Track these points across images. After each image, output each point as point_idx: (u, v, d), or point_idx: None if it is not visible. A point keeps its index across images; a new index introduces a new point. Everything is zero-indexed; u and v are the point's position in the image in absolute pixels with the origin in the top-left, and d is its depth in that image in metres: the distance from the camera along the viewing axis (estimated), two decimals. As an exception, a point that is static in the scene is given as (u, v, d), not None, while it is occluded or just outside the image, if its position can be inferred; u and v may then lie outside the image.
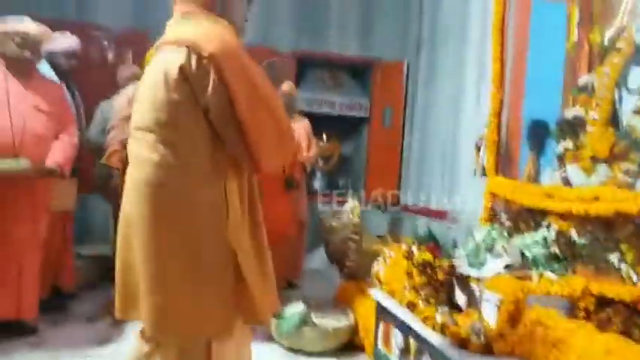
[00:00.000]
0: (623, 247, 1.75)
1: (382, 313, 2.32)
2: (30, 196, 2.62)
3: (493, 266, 1.94)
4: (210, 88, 1.34)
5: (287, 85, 4.01)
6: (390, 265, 2.78)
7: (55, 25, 3.11)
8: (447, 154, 4.41)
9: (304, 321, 2.61)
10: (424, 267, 2.09)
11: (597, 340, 1.43)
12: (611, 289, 1.72)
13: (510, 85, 2.90)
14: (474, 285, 1.94)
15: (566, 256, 1.98)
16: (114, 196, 3.02)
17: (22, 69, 2.63)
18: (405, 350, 2.07)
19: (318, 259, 4.99)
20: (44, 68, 3.03)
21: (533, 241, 2.04)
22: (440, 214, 4.32)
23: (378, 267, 2.92)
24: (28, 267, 2.64)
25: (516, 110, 2.78)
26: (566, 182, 2.11)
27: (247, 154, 1.39)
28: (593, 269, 1.86)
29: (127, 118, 1.78)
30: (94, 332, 2.88)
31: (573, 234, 1.97)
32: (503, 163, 2.88)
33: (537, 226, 2.20)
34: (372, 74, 5.64)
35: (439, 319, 1.88)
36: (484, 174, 3.22)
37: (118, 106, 3.27)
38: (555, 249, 2.02)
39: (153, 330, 1.38)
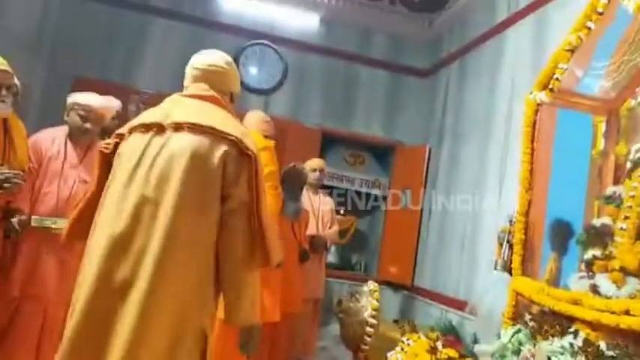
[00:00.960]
0: (655, 365, 1.74)
1: (401, 406, 2.27)
2: None
3: (520, 371, 1.93)
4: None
5: (318, 163, 4.18)
6: (409, 355, 2.75)
7: (98, 87, 3.31)
8: (465, 244, 4.44)
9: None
10: (448, 363, 2.08)
11: None
12: (642, 408, 1.70)
13: (534, 184, 2.99)
14: (499, 388, 1.92)
15: (593, 367, 1.96)
16: None
17: (83, 140, 2.82)
18: None
19: (326, 336, 4.91)
20: None
21: (560, 348, 2.03)
22: (455, 303, 4.29)
23: (396, 356, 2.88)
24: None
25: (540, 210, 2.84)
26: (594, 290, 2.13)
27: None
28: (623, 384, 1.84)
29: None
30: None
31: (602, 345, 1.96)
32: (524, 261, 2.91)
33: (563, 330, 2.19)
34: (394, 155, 5.81)
35: (463, 421, 1.85)
36: (505, 269, 3.24)
37: None
38: (582, 358, 2.01)
39: None
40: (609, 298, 2.01)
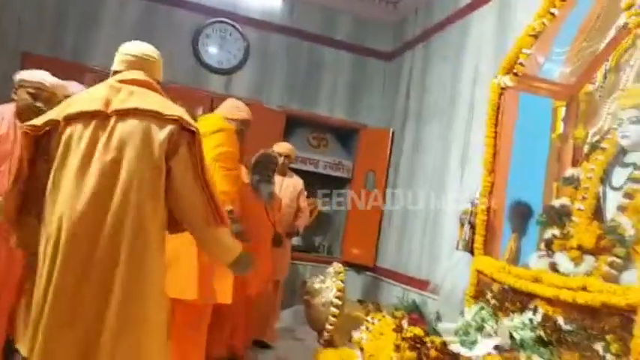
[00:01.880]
0: (609, 337, 1.83)
1: (368, 384, 2.30)
2: None
3: (483, 346, 1.99)
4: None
5: (285, 149, 4.17)
6: (374, 334, 2.79)
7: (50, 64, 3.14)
8: (428, 225, 4.52)
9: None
10: (414, 342, 2.12)
11: None
12: (597, 378, 1.79)
13: (497, 167, 3.07)
14: (463, 364, 1.97)
15: (551, 341, 2.04)
16: None
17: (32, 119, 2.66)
18: None
19: (289, 317, 4.93)
20: None
21: (521, 324, 2.11)
22: (417, 283, 4.38)
23: (361, 335, 2.92)
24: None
25: (500, 192, 2.91)
26: (553, 268, 2.21)
27: None
28: (579, 356, 1.93)
29: None
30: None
31: (560, 320, 2.04)
32: (486, 241, 2.99)
33: (523, 307, 2.27)
34: (358, 138, 5.83)
35: (429, 396, 1.90)
36: (466, 249, 3.32)
37: None
38: (541, 333, 2.09)
39: None
40: (567, 275, 2.10)
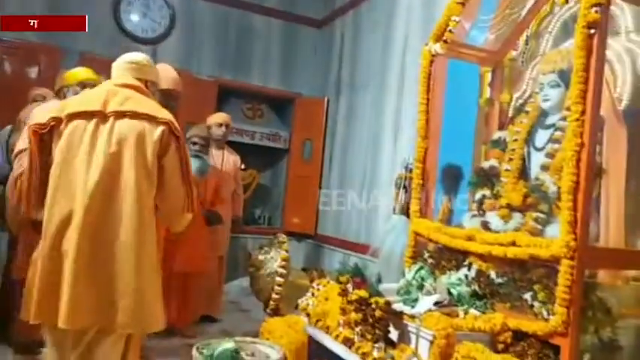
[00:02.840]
0: (536, 287, 1.99)
1: (316, 349, 2.38)
2: None
3: (424, 303, 2.10)
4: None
5: (223, 118, 4.04)
6: (320, 299, 2.86)
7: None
8: (365, 190, 4.64)
9: (235, 358, 2.57)
10: (360, 304, 2.19)
11: (523, 372, 1.63)
12: (526, 324, 1.95)
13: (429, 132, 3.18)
14: (406, 321, 2.08)
15: (485, 294, 2.20)
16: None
17: None
18: (340, 385, 2.14)
19: (233, 290, 4.94)
20: None
21: (457, 280, 2.25)
22: (357, 247, 4.51)
23: (307, 301, 2.98)
24: None
25: (433, 156, 3.02)
26: (485, 226, 2.35)
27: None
28: (510, 306, 2.09)
29: None
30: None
31: (492, 274, 2.20)
32: (421, 204, 3.12)
33: (459, 264, 2.42)
34: (293, 108, 5.81)
35: (376, 354, 1.99)
36: (402, 212, 3.45)
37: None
38: (476, 287, 2.24)
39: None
40: (498, 232, 2.24)
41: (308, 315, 2.88)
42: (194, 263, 3.45)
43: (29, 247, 2.29)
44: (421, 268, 2.37)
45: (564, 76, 2.38)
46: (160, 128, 1.92)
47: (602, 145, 2.16)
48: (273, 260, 3.17)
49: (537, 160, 2.40)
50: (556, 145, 2.31)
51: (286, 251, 3.23)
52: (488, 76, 3.06)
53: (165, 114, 1.97)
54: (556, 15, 2.73)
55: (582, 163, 1.88)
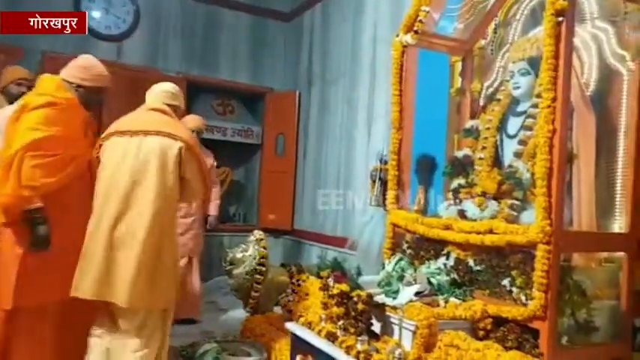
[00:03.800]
0: (514, 273, 2.03)
1: (299, 345, 2.36)
2: None
3: (406, 294, 2.11)
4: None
5: (194, 122, 3.92)
6: (301, 295, 2.85)
7: None
8: (340, 184, 4.63)
9: (217, 359, 2.54)
10: (341, 298, 2.19)
11: (505, 358, 1.65)
12: (505, 310, 1.98)
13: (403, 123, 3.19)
14: (389, 313, 2.08)
15: (464, 282, 2.23)
16: None
17: None
18: (326, 380, 2.13)
19: (210, 290, 4.88)
20: None
21: (437, 269, 2.26)
22: (334, 241, 4.51)
23: (287, 298, 2.97)
24: None
25: (407, 147, 3.04)
26: (462, 215, 2.37)
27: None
28: (489, 293, 2.12)
29: None
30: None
31: (470, 262, 2.22)
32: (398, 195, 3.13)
33: (437, 254, 2.44)
34: (265, 103, 5.75)
35: (360, 347, 1.99)
36: (379, 204, 3.46)
37: None
38: (455, 275, 2.26)
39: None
40: (474, 220, 2.27)
41: (289, 311, 2.88)
42: None
43: None
44: (401, 259, 2.37)
45: (534, 64, 2.41)
46: (178, 144, 2.35)
47: (571, 130, 2.21)
48: (251, 258, 3.14)
49: (510, 147, 2.43)
50: (528, 132, 2.34)
51: (264, 248, 3.20)
52: (459, 66, 3.08)
53: (183, 132, 2.43)
54: (524, 3, 2.76)
55: (555, 149, 1.91)
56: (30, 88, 3.15)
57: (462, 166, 2.62)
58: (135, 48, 5.13)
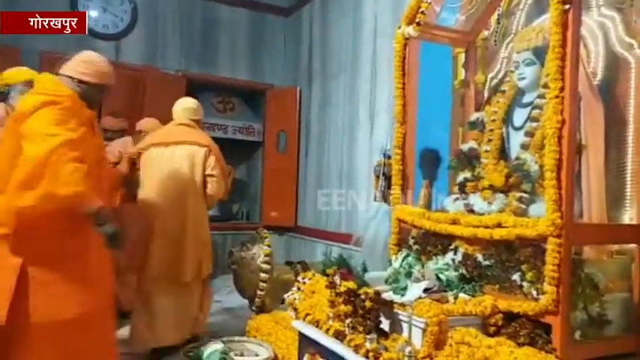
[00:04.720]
0: (524, 267, 1.99)
1: (306, 344, 2.33)
2: None
3: (414, 291, 2.08)
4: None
5: (150, 123, 3.91)
6: (307, 293, 2.82)
7: None
8: (343, 179, 4.60)
9: (224, 359, 2.52)
10: (349, 295, 2.15)
11: (518, 354, 1.62)
12: (516, 305, 1.94)
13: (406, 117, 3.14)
14: (397, 310, 2.05)
15: (474, 277, 2.19)
16: None
17: None
18: (334, 379, 2.10)
19: (215, 288, 4.84)
20: None
21: (445, 265, 2.23)
22: (338, 237, 4.48)
23: (294, 296, 2.94)
24: None
25: (411, 141, 3.00)
26: (469, 209, 2.34)
27: None
28: (499, 288, 2.08)
29: None
30: None
31: (479, 256, 2.19)
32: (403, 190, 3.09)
33: (444, 249, 2.40)
34: (266, 100, 5.70)
35: (369, 345, 1.96)
36: (383, 199, 3.42)
37: None
38: (464, 271, 2.22)
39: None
40: (482, 214, 2.23)
41: (295, 310, 2.84)
42: None
43: None
44: (408, 255, 2.34)
45: (539, 54, 2.37)
46: (203, 150, 3.04)
47: (579, 121, 2.16)
48: (256, 256, 3.11)
49: (517, 139, 2.39)
50: (535, 124, 2.30)
51: (269, 246, 3.17)
52: (462, 58, 3.03)
53: (206, 140, 3.10)
54: (527, -8, 2.71)
55: (564, 140, 1.87)
56: None
57: (468, 160, 2.58)
58: (133, 46, 5.10)
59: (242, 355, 2.67)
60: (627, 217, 2.18)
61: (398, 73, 2.82)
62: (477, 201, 2.30)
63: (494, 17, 2.92)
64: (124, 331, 2.95)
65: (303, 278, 2.91)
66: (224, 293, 4.74)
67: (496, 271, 2.11)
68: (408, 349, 1.84)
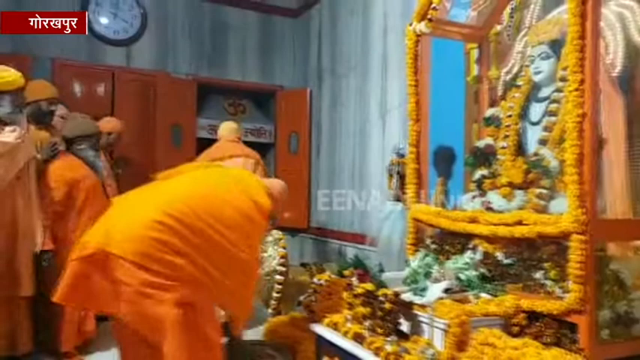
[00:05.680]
0: (546, 265, 1.94)
1: (325, 347, 2.30)
2: None
3: (434, 291, 2.04)
4: None
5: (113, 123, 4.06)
6: (323, 295, 2.79)
7: None
8: (356, 180, 4.56)
9: (239, 362, 2.49)
10: (367, 297, 2.12)
11: (545, 356, 1.57)
12: (540, 304, 1.90)
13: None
14: (417, 311, 2.01)
15: (495, 276, 2.14)
16: None
17: None
18: (355, 383, 2.07)
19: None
20: None
21: (465, 264, 2.18)
22: (352, 238, 4.45)
23: (310, 298, 2.90)
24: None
25: (424, 139, 2.96)
26: (487, 207, 2.29)
27: None
28: (522, 287, 2.04)
29: None
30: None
31: (499, 255, 2.14)
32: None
33: (463, 248, 2.36)
34: (276, 101, 5.69)
35: (389, 348, 1.92)
36: (397, 199, 3.39)
37: None
38: (484, 270, 2.18)
39: None
40: (501, 212, 2.18)
41: (312, 312, 2.81)
42: None
43: None
44: (426, 255, 2.30)
45: (555, 47, 2.32)
46: (251, 161, 3.64)
47: (599, 114, 2.11)
48: (270, 258, 3.09)
49: (534, 134, 2.34)
50: (553, 118, 2.25)
51: (284, 248, 3.15)
52: (475, 53, 2.99)
53: (252, 153, 3.74)
54: (541, -15, 2.66)
55: (585, 134, 1.82)
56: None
57: (484, 156, 2.53)
58: (143, 51, 5.11)
59: (260, 358, 2.65)
60: (652, 212, 2.12)
61: (411, 70, 2.78)
62: (495, 198, 2.25)
63: (506, 11, 2.86)
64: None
65: (319, 280, 2.88)
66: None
67: (517, 269, 2.06)
68: (430, 352, 1.80)
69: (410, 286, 2.21)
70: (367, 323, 2.10)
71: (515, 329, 1.92)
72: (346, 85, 4.78)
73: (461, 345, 1.82)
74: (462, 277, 2.12)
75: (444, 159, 3.18)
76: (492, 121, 2.62)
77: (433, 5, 2.67)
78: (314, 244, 5.27)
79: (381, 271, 2.56)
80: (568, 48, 1.88)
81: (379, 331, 2.02)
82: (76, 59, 4.77)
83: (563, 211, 1.87)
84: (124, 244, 1.76)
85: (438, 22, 2.76)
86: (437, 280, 2.11)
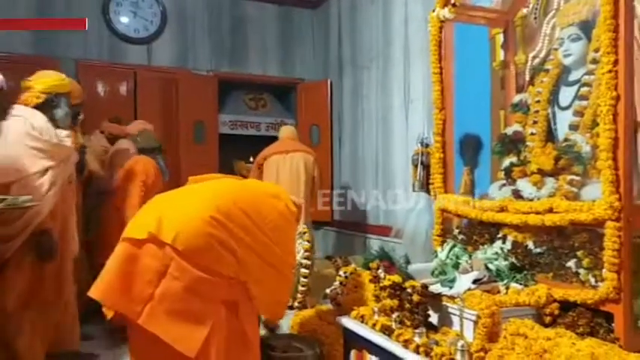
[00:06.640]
0: (579, 253, 1.89)
1: (353, 339, 2.29)
2: None
3: (463, 282, 2.00)
4: None
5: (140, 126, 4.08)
6: (349, 287, 2.77)
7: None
8: (379, 170, 4.52)
9: (267, 356, 2.50)
10: (394, 289, 2.10)
11: (581, 346, 1.53)
12: (573, 293, 1.85)
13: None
14: (446, 303, 1.98)
15: (525, 266, 2.09)
16: None
17: None
18: (384, 375, 2.06)
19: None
20: None
21: (494, 254, 2.14)
22: (377, 230, 4.41)
23: (336, 291, 2.89)
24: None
25: (450, 127, 2.90)
26: (517, 195, 2.23)
27: None
28: (553, 276, 1.99)
29: None
30: None
31: (530, 244, 2.09)
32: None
33: (492, 238, 2.31)
34: (297, 94, 5.67)
35: (418, 340, 1.90)
36: (422, 189, 3.34)
37: None
38: (514, 259, 2.13)
39: None
40: (532, 200, 2.13)
41: (338, 305, 2.80)
42: None
43: None
44: (454, 245, 2.26)
45: (586, 28, 2.24)
46: (312, 157, 4.10)
47: (634, 96, 2.03)
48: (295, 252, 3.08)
49: (564, 119, 2.27)
50: (584, 102, 2.17)
51: (308, 242, 3.14)
52: (500, 38, 2.91)
53: (312, 151, 4.22)
54: (568, -35, 2.56)
55: (619, 117, 1.76)
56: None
57: (513, 143, 2.47)
58: (164, 49, 5.15)
59: (286, 351, 2.65)
60: (690, 197, 2.04)
61: (435, 57, 2.73)
62: (525, 186, 2.19)
63: (533, -7, 2.77)
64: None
65: (345, 273, 2.87)
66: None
67: (549, 258, 2.01)
68: (460, 343, 1.77)
69: (438, 277, 2.18)
70: (395, 315, 2.07)
71: (548, 319, 1.88)
72: (367, 75, 4.73)
73: (492, 336, 1.79)
74: (492, 267, 2.07)
75: (470, 147, 3.10)
76: (520, 107, 2.55)
77: (456, -10, 2.61)
78: (338, 237, 5.26)
79: (408, 262, 2.53)
80: (600, 28, 1.81)
81: (407, 323, 2.00)
82: (100, 59, 4.84)
83: (596, 198, 1.81)
84: (179, 235, 1.72)
85: (462, 8, 2.70)
86: (466, 271, 2.08)
